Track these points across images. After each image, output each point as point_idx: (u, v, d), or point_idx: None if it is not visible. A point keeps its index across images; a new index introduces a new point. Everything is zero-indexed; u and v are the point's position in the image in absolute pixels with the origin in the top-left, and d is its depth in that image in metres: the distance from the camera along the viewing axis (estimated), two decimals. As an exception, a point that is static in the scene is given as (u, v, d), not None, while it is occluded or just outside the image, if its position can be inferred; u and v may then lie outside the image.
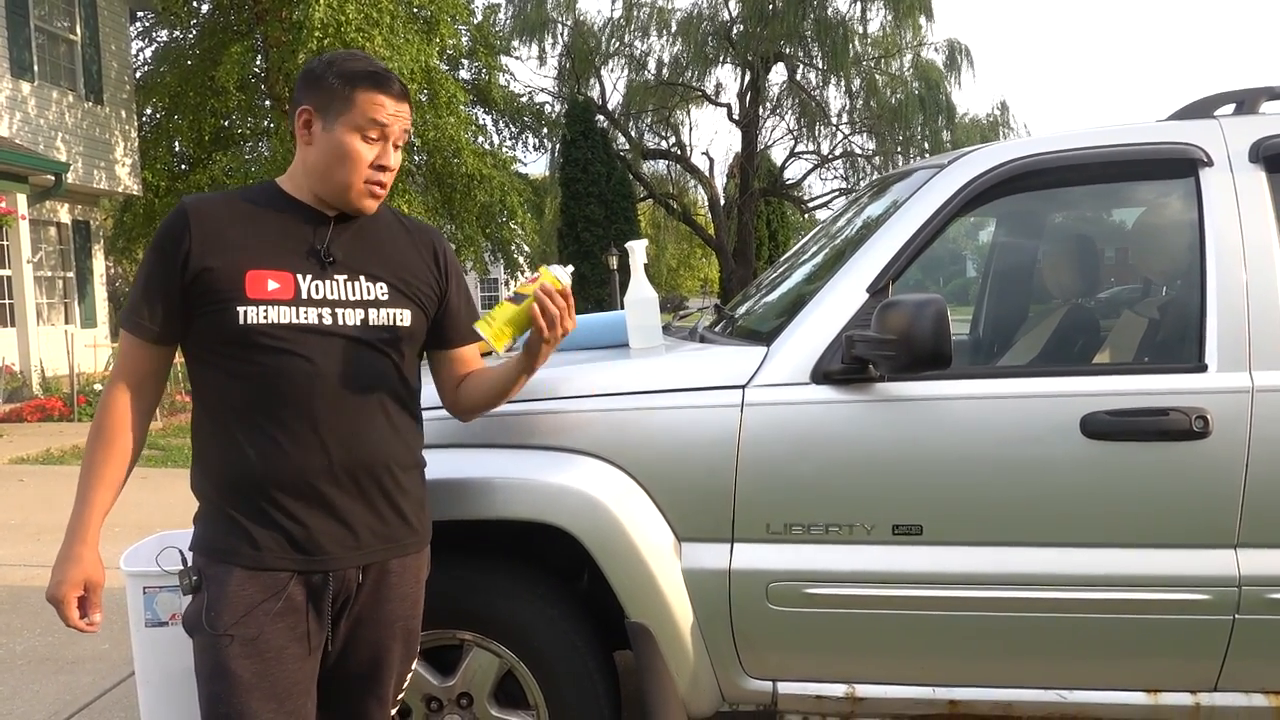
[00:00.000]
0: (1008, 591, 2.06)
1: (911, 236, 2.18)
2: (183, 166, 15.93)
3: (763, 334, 2.29)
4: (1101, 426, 2.03)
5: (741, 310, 2.80)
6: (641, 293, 2.43)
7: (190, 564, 1.63)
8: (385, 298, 1.66)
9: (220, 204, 1.63)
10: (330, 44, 12.04)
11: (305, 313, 1.59)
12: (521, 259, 18.64)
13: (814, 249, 2.82)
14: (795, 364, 2.14)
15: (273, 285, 1.57)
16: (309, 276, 1.61)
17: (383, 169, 1.64)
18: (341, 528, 1.61)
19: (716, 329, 2.69)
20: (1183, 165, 2.19)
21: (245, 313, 1.55)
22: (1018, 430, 2.06)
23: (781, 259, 3.14)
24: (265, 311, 1.56)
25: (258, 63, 14.83)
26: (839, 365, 2.09)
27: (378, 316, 1.65)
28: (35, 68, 12.72)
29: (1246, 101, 2.30)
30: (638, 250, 2.43)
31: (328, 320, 1.60)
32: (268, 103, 15.00)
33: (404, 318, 1.68)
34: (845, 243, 2.52)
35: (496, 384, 1.82)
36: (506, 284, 22.03)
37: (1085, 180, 2.33)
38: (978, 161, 2.24)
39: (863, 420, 2.09)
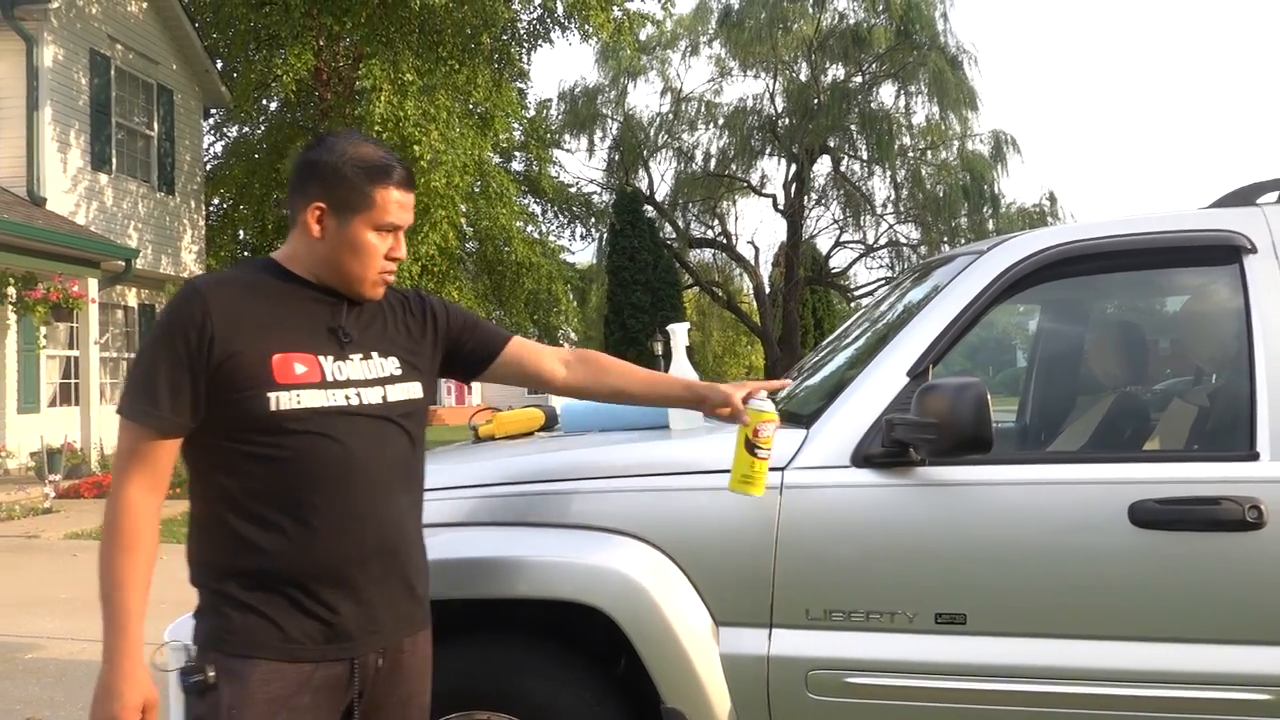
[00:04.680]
0: (1055, 686, 1.99)
1: (952, 321, 2.19)
2: (245, 254, 16.56)
3: (803, 416, 2.29)
4: (1150, 515, 1.98)
5: (783, 393, 2.81)
6: (683, 373, 2.45)
7: (196, 660, 1.51)
8: (399, 373, 1.66)
9: (233, 285, 1.59)
10: (389, 138, 12.55)
11: (333, 395, 1.56)
12: (565, 344, 18.85)
13: (856, 333, 2.83)
14: (835, 447, 2.13)
15: (300, 369, 1.54)
16: (331, 358, 1.59)
17: (394, 260, 1.64)
18: (367, 612, 1.57)
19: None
20: (1227, 252, 2.18)
21: (277, 399, 1.51)
22: (1064, 517, 2.02)
23: (824, 343, 3.15)
24: (297, 396, 1.52)
25: (321, 156, 15.47)
26: (879, 448, 2.08)
27: (395, 392, 1.64)
28: (114, 161, 13.43)
29: (1290, 189, 2.30)
30: (679, 333, 2.47)
31: (354, 401, 1.58)
32: (328, 193, 15.59)
33: (415, 390, 1.68)
34: (886, 327, 2.54)
35: (643, 390, 1.94)
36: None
37: (1127, 267, 2.33)
38: (1018, 247, 2.26)
39: (904, 505, 2.07)
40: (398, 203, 1.60)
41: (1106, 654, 1.99)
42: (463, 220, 14.27)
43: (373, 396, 1.60)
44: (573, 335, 20.22)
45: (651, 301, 21.87)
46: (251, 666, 1.49)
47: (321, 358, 1.58)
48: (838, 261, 24.31)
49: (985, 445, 1.91)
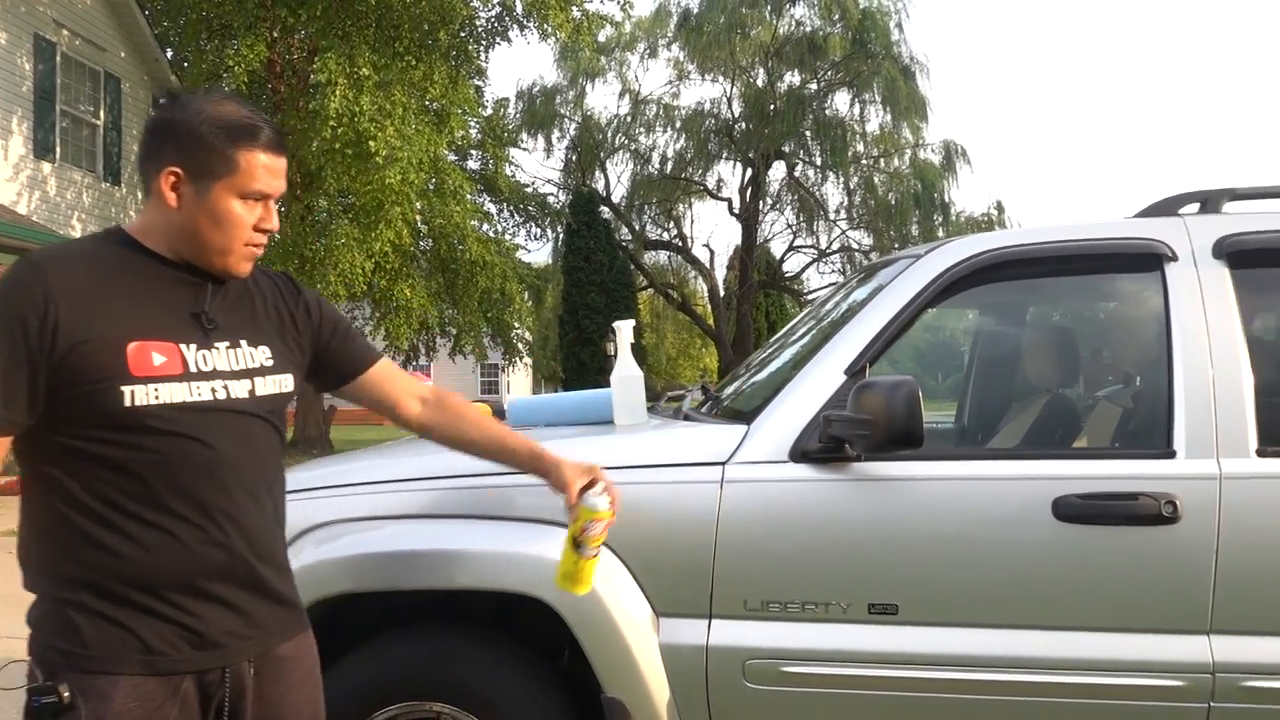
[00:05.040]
0: (982, 674, 2.07)
1: (888, 322, 2.26)
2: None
3: (745, 413, 2.35)
4: (1073, 510, 2.07)
5: (728, 391, 2.87)
6: (627, 371, 2.50)
7: (44, 680, 1.35)
8: (270, 363, 1.51)
9: (80, 261, 1.40)
10: (344, 133, 12.42)
11: (196, 388, 1.41)
12: (521, 345, 18.81)
13: (799, 333, 2.90)
14: (775, 443, 2.19)
15: (159, 359, 1.38)
16: (194, 346, 1.42)
17: (264, 232, 1.47)
18: (236, 618, 1.45)
19: (703, 409, 2.75)
20: (1149, 260, 2.28)
21: (132, 393, 1.35)
22: (991, 512, 2.10)
23: (769, 342, 3.22)
24: (155, 391, 1.37)
25: (273, 149, 15.26)
26: (817, 444, 2.14)
27: (264, 385, 1.49)
28: (57, 149, 13.10)
29: (1210, 200, 2.41)
30: (624, 330, 2.51)
31: (220, 395, 1.43)
32: (280, 187, 15.39)
33: (287, 383, 1.54)
34: (828, 326, 2.60)
35: (490, 447, 1.76)
36: (499, 369, 22.11)
37: (1057, 272, 2.43)
38: (952, 252, 2.34)
39: (839, 499, 2.13)
40: (265, 167, 1.43)
41: (1031, 643, 2.07)
42: (417, 217, 14.16)
43: (240, 390, 1.46)
44: (527, 335, 20.16)
45: (606, 303, 21.91)
46: (113, 684, 1.35)
47: (183, 346, 1.41)
48: (791, 266, 24.58)
49: (916, 441, 1.98)
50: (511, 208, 18.76)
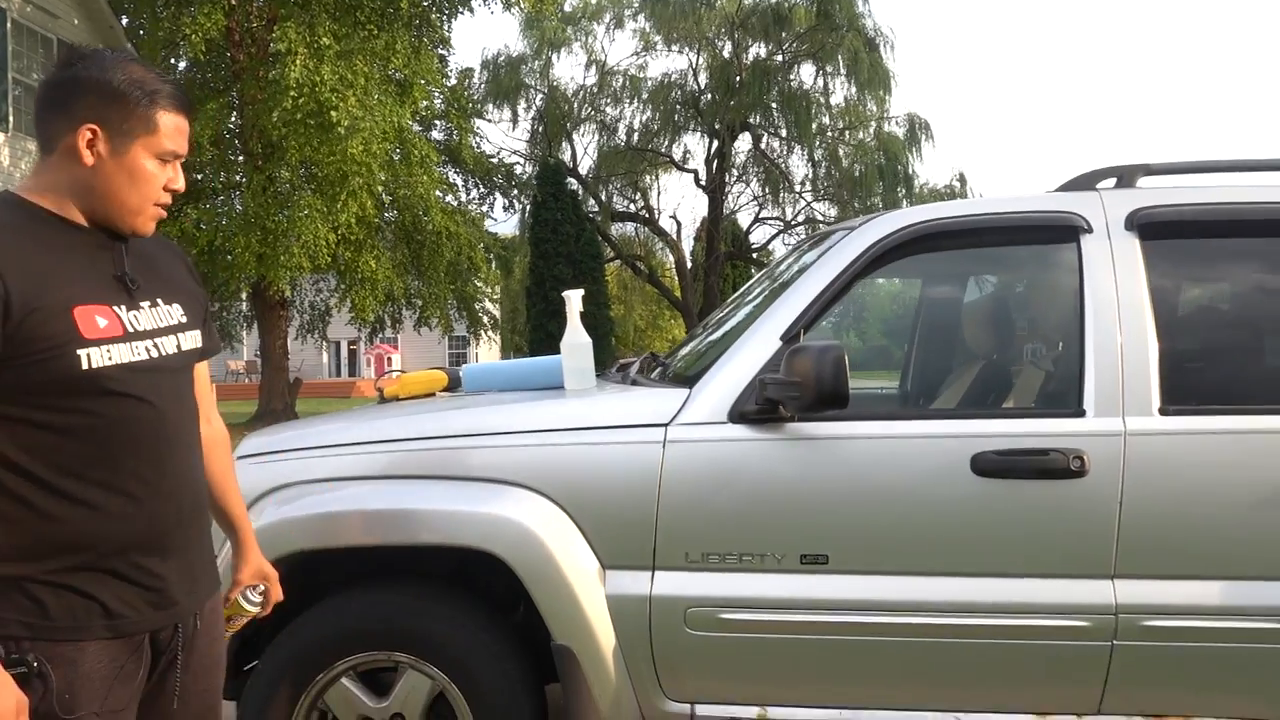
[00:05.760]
0: (906, 618, 2.22)
1: (822, 290, 2.39)
2: (153, 219, 16.03)
3: (688, 377, 2.47)
4: (990, 465, 2.22)
5: (680, 354, 2.99)
6: (576, 338, 2.61)
7: (9, 654, 1.34)
8: (185, 320, 1.55)
9: (9, 233, 1.38)
10: (305, 103, 12.31)
11: (136, 349, 1.43)
12: (485, 319, 18.79)
13: (744, 301, 3.02)
14: (714, 405, 2.32)
15: (102, 322, 1.39)
16: (124, 307, 1.44)
17: (172, 192, 1.49)
18: (187, 574, 1.51)
19: (651, 374, 2.87)
20: (1066, 232, 2.42)
21: (88, 356, 1.36)
22: (914, 468, 2.25)
23: (722, 305, 3.34)
24: (108, 352, 1.38)
25: (232, 119, 15.10)
26: (753, 406, 2.28)
27: (186, 341, 1.53)
28: (10, 119, 12.86)
29: (1125, 175, 2.55)
30: (573, 299, 2.62)
31: (154, 354, 1.45)
32: (241, 158, 15.23)
33: (198, 338, 1.58)
34: (770, 294, 2.73)
35: (214, 495, 1.70)
36: (467, 341, 22.03)
37: (982, 243, 2.57)
38: (885, 224, 2.47)
39: (774, 457, 2.27)
40: (179, 128, 1.46)
41: (950, 588, 2.23)
42: (381, 188, 14.09)
43: (169, 347, 1.49)
44: (493, 309, 20.15)
45: (574, 274, 21.87)
46: (80, 650, 1.38)
47: (116, 308, 1.42)
48: (757, 237, 24.70)
49: (842, 401, 2.12)
50: (477, 179, 18.68)
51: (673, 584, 2.26)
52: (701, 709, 2.31)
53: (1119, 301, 2.32)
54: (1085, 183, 2.57)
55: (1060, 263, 2.48)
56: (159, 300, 1.51)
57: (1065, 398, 2.37)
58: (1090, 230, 2.40)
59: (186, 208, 14.44)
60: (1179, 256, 2.43)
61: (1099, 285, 2.35)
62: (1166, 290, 2.37)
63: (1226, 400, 2.29)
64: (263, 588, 1.79)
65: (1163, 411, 2.24)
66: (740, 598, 2.25)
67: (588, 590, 2.25)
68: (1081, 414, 2.26)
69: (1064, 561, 2.22)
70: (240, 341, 22.84)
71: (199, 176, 14.94)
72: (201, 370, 1.68)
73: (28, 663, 1.35)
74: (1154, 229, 2.37)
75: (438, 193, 15.33)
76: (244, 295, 16.64)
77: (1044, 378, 2.69)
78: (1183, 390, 2.27)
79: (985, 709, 2.27)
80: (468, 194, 18.68)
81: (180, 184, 1.49)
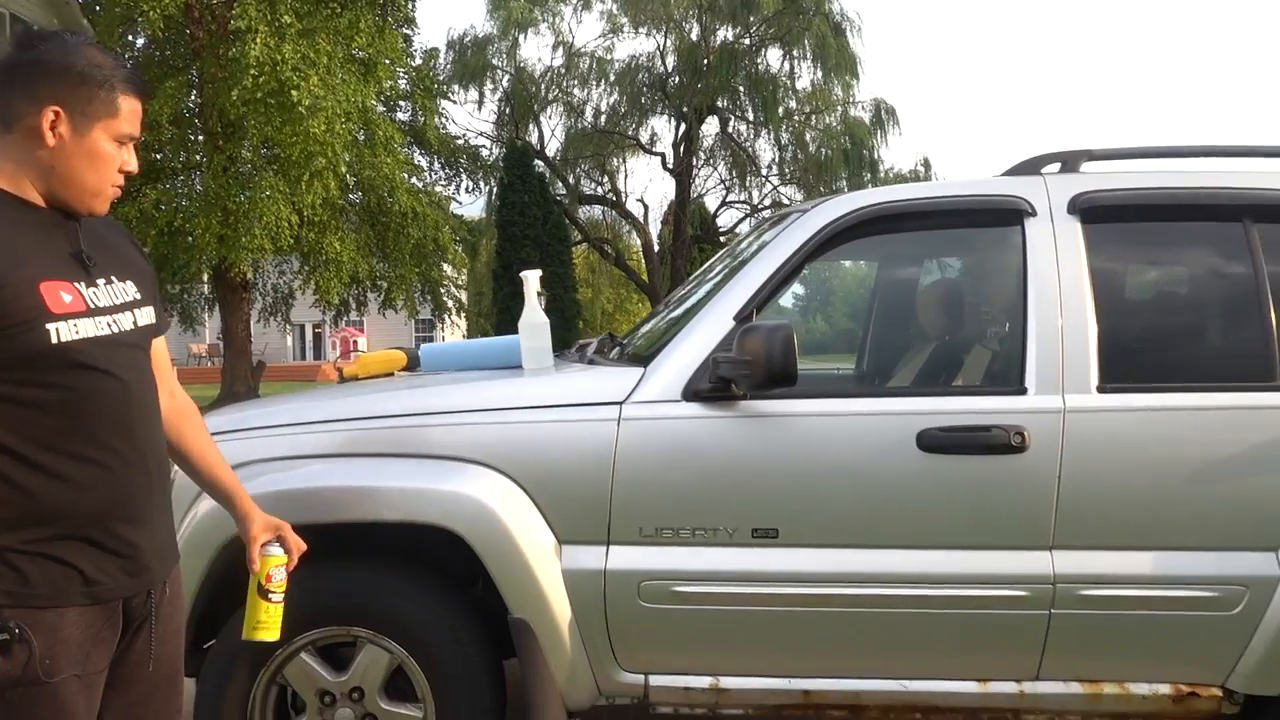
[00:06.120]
0: (853, 589, 2.29)
1: (775, 271, 2.45)
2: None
3: (644, 357, 2.52)
4: (935, 441, 2.29)
5: (640, 332, 3.04)
6: (534, 318, 2.64)
7: None
8: (140, 297, 1.59)
9: None
10: (265, 82, 12.15)
11: (99, 323, 1.47)
12: (451, 303, 18.70)
13: (704, 279, 3.07)
14: (668, 383, 2.37)
15: (67, 298, 1.44)
16: (84, 284, 1.49)
17: (126, 173, 1.54)
18: (157, 542, 1.58)
19: (609, 354, 2.91)
20: (1012, 215, 2.49)
21: (57, 330, 1.40)
22: (862, 444, 2.32)
23: (683, 283, 3.38)
24: (75, 327, 1.43)
25: (192, 98, 14.86)
26: (706, 385, 2.33)
27: (141, 317, 1.58)
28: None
29: (1069, 161, 2.62)
30: (531, 279, 2.65)
31: (114, 329, 1.50)
32: (201, 138, 15.00)
33: (152, 314, 1.62)
34: (728, 273, 2.77)
35: (199, 466, 1.77)
36: (433, 324, 21.89)
37: (930, 227, 2.63)
38: (836, 207, 2.52)
39: (726, 434, 2.32)
40: (135, 111, 1.51)
41: (896, 560, 2.30)
42: (345, 169, 13.95)
43: (127, 323, 1.53)
44: (459, 293, 20.03)
45: (541, 257, 21.80)
46: (60, 616, 1.44)
47: (77, 284, 1.47)
48: (724, 221, 24.75)
49: (790, 379, 2.18)
50: (442, 161, 18.55)
51: (627, 558, 2.31)
52: (656, 679, 2.37)
53: (1060, 283, 2.40)
54: (1031, 167, 2.64)
55: (1006, 245, 2.54)
56: (114, 278, 1.55)
57: (1008, 376, 2.45)
58: (1034, 214, 2.46)
59: (145, 188, 14.22)
60: (1119, 240, 2.51)
61: (1041, 267, 2.42)
62: (1106, 272, 2.44)
63: (1161, 378, 2.37)
64: (276, 539, 1.82)
65: (1100, 389, 2.32)
66: (693, 571, 2.30)
67: (544, 565, 2.29)
68: (1023, 392, 2.34)
69: (1005, 534, 2.30)
70: (202, 324, 22.53)
71: (158, 156, 14.71)
72: (159, 345, 1.71)
73: (10, 630, 1.40)
74: (1095, 213, 2.45)
75: (403, 174, 15.21)
76: (205, 277, 16.43)
77: (990, 357, 2.77)
78: (1120, 369, 2.35)
79: (930, 676, 2.35)
80: (433, 176, 18.55)
81: (133, 166, 1.54)
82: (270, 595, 1.81)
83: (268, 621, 1.82)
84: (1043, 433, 2.29)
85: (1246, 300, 2.41)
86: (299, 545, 1.85)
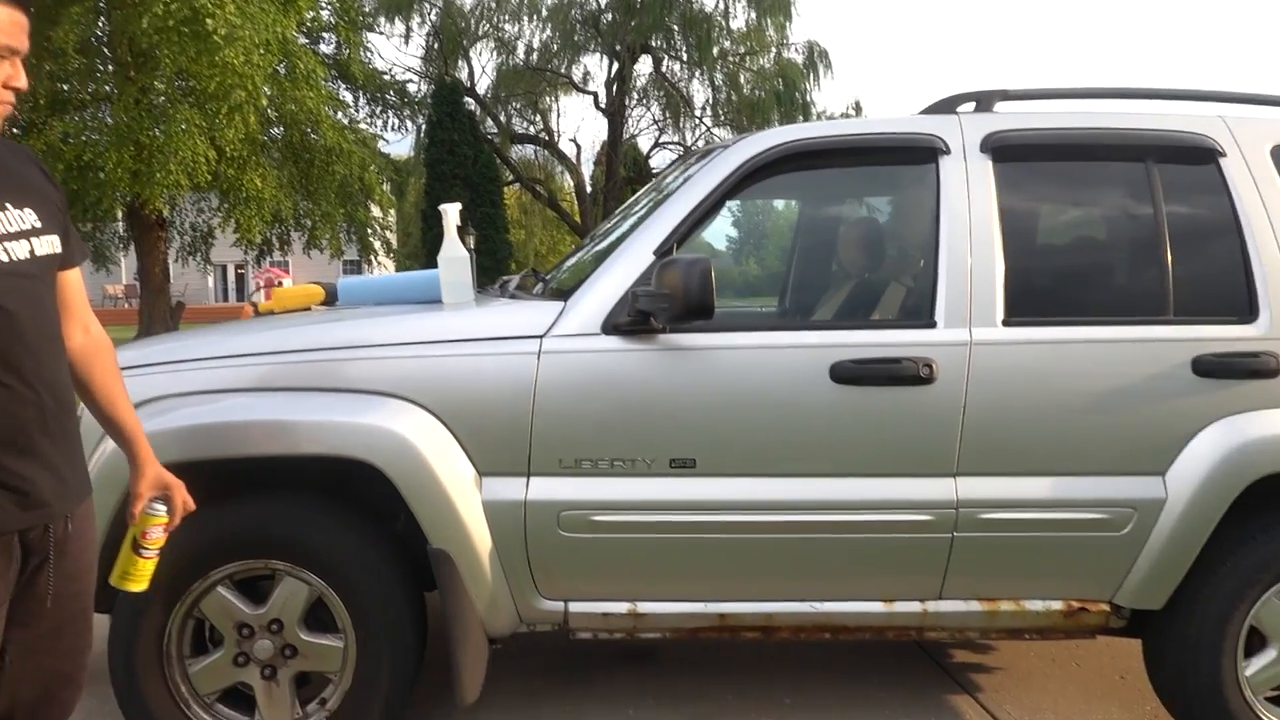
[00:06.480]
0: (767, 516, 2.36)
1: (695, 206, 2.46)
2: (15, 131, 14.96)
3: (565, 291, 2.52)
4: (847, 373, 2.35)
5: (564, 267, 3.04)
6: (453, 252, 2.62)
7: None
8: (40, 225, 1.54)
9: None
10: (178, 9, 11.58)
11: None
12: (378, 243, 18.31)
13: (629, 214, 3.06)
14: (588, 317, 2.38)
15: None
16: None
17: (13, 90, 1.48)
18: (54, 476, 1.54)
19: (532, 290, 2.91)
20: (927, 153, 2.53)
21: None
22: (777, 376, 2.37)
23: (607, 218, 3.38)
24: None
25: (100, 25, 14.09)
26: (625, 318, 2.35)
27: (40, 246, 1.52)
28: None
29: (984, 100, 2.67)
30: (450, 212, 2.62)
31: (4, 259, 1.45)
32: (110, 68, 14.27)
33: (56, 244, 1.57)
34: (652, 208, 2.78)
35: (103, 405, 1.74)
36: (360, 266, 21.39)
37: (848, 163, 2.66)
38: (756, 142, 2.53)
39: (645, 367, 2.35)
40: (15, 22, 1.45)
41: (809, 488, 2.38)
42: (265, 103, 13.45)
43: (21, 251, 1.49)
44: (388, 234, 19.61)
45: (471, 198, 21.44)
46: None
47: None
48: (657, 162, 24.56)
49: (707, 312, 2.21)
50: (368, 96, 18.01)
51: (547, 489, 2.34)
52: (575, 606, 2.42)
53: (971, 220, 2.46)
54: (947, 106, 2.69)
55: (921, 183, 2.59)
56: (8, 205, 1.49)
57: (920, 311, 2.51)
58: (948, 152, 2.52)
59: (52, 120, 13.54)
60: (1028, 179, 2.57)
61: (953, 204, 2.48)
62: (1015, 210, 2.51)
63: (1063, 313, 2.46)
64: (163, 497, 1.80)
65: (1005, 323, 2.40)
66: (612, 501, 2.34)
67: (464, 497, 2.31)
68: (932, 325, 2.41)
69: (912, 462, 2.39)
70: (117, 264, 21.71)
71: (64, 87, 13.98)
72: (72, 278, 1.67)
73: None
74: (1005, 152, 2.51)
75: (327, 109, 14.73)
76: (119, 215, 15.78)
77: (905, 293, 2.83)
78: (1025, 303, 2.43)
79: (839, 598, 2.45)
80: (359, 112, 18.01)
81: (21, 82, 1.48)
82: (143, 551, 1.79)
83: (135, 574, 1.81)
84: (950, 365, 2.37)
85: (1145, 239, 2.51)
86: (186, 506, 1.83)
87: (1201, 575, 2.42)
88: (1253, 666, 2.47)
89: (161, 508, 1.79)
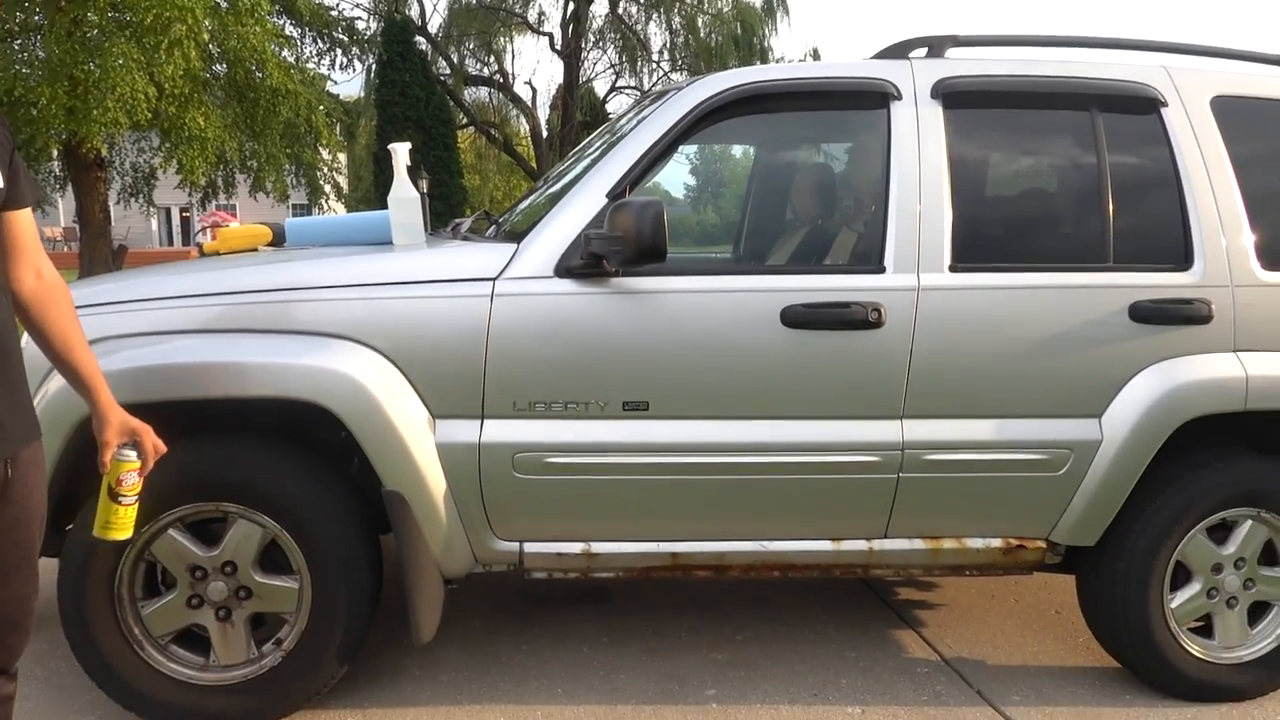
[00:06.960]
0: (719, 458, 2.41)
1: (649, 149, 2.45)
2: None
3: (518, 234, 2.51)
4: (798, 317, 2.38)
5: (509, 214, 3.01)
6: (404, 192, 2.59)
7: None
8: None
9: None
10: (112, -64, 11.07)
11: None
12: (328, 186, 17.88)
13: (583, 156, 3.04)
14: (541, 260, 2.37)
15: None
16: None
17: None
18: None
19: (485, 232, 2.89)
20: (878, 98, 2.55)
21: None
22: (729, 319, 2.39)
23: (561, 160, 3.35)
24: None
25: (27, -49, 13.42)
26: (578, 261, 2.34)
27: None
28: None
29: (936, 46, 2.68)
30: (400, 152, 2.58)
31: None
32: (40, -3, 13.63)
33: None
34: (605, 150, 2.76)
35: (60, 353, 1.71)
36: (310, 211, 20.92)
37: (800, 107, 2.67)
38: (710, 85, 2.52)
39: (598, 310, 2.36)
40: None
41: (760, 430, 2.42)
42: (207, 38, 12.96)
43: None
44: (338, 178, 19.15)
45: (424, 141, 20.97)
46: None
47: None
48: (614, 106, 24.23)
49: (660, 255, 2.22)
50: (315, 33, 17.43)
51: (501, 431, 2.36)
52: (530, 546, 2.46)
53: (920, 165, 2.49)
54: (899, 51, 2.70)
55: (872, 129, 2.61)
56: None
57: (870, 256, 2.54)
58: (900, 97, 2.53)
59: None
60: (977, 125, 2.59)
61: (904, 150, 2.50)
62: (964, 156, 2.54)
63: (1008, 259, 2.51)
64: (132, 443, 1.78)
65: (952, 269, 2.45)
66: (565, 443, 2.37)
67: (418, 439, 2.31)
68: (882, 270, 2.45)
69: (861, 404, 2.44)
70: (54, 206, 21.00)
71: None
72: (22, 219, 1.63)
73: None
74: (956, 98, 2.53)
75: (273, 46, 14.24)
76: (55, 154, 15.19)
77: (856, 239, 2.87)
78: (972, 249, 2.48)
79: (788, 537, 2.52)
80: (306, 50, 17.44)
81: None
82: (121, 499, 1.79)
83: (117, 522, 1.80)
84: (898, 309, 2.41)
85: (1088, 187, 2.56)
86: (157, 449, 1.82)
87: (1132, 513, 2.52)
88: (1178, 599, 2.59)
89: (131, 453, 1.78)
